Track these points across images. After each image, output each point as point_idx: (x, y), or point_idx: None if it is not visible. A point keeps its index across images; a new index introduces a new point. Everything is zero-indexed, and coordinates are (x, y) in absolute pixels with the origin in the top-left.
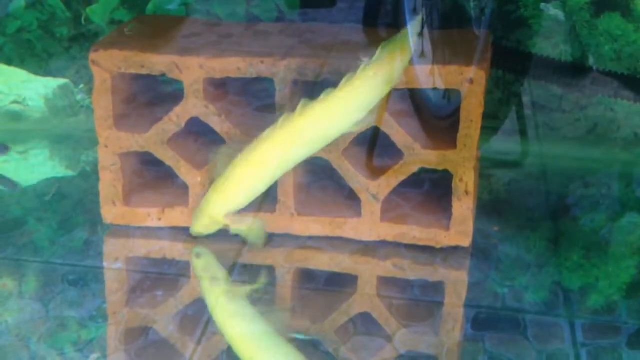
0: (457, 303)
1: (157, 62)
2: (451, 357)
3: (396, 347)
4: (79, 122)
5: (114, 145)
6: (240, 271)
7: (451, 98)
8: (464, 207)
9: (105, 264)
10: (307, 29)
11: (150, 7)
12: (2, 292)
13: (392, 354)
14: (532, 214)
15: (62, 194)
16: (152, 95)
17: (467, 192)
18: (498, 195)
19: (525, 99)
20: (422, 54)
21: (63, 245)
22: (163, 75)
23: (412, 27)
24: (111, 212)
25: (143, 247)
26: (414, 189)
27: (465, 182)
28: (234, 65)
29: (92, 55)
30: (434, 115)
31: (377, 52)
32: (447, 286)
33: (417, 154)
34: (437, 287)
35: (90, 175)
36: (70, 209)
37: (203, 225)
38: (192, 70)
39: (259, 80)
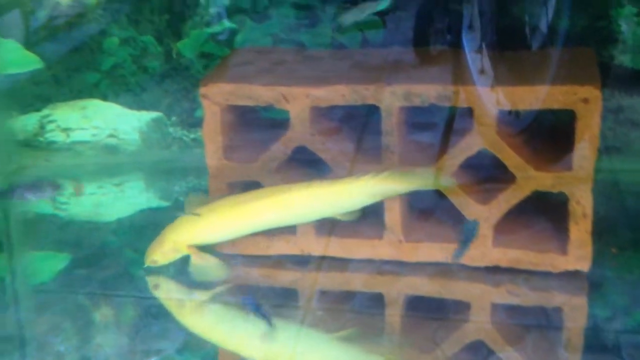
0: (579, 328)
1: (264, 94)
2: None
3: None
4: (172, 153)
5: (223, 176)
6: (320, 298)
7: (519, 114)
8: (581, 230)
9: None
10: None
11: (238, 39)
12: (99, 324)
13: None
14: (632, 233)
15: (157, 224)
16: (251, 125)
17: (584, 215)
18: (596, 214)
19: (622, 116)
20: (482, 72)
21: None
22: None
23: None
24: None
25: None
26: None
27: (583, 205)
28: (339, 93)
29: (202, 90)
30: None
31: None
32: (565, 312)
33: (531, 176)
34: (554, 313)
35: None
36: None
37: (161, 252)
38: (299, 99)
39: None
